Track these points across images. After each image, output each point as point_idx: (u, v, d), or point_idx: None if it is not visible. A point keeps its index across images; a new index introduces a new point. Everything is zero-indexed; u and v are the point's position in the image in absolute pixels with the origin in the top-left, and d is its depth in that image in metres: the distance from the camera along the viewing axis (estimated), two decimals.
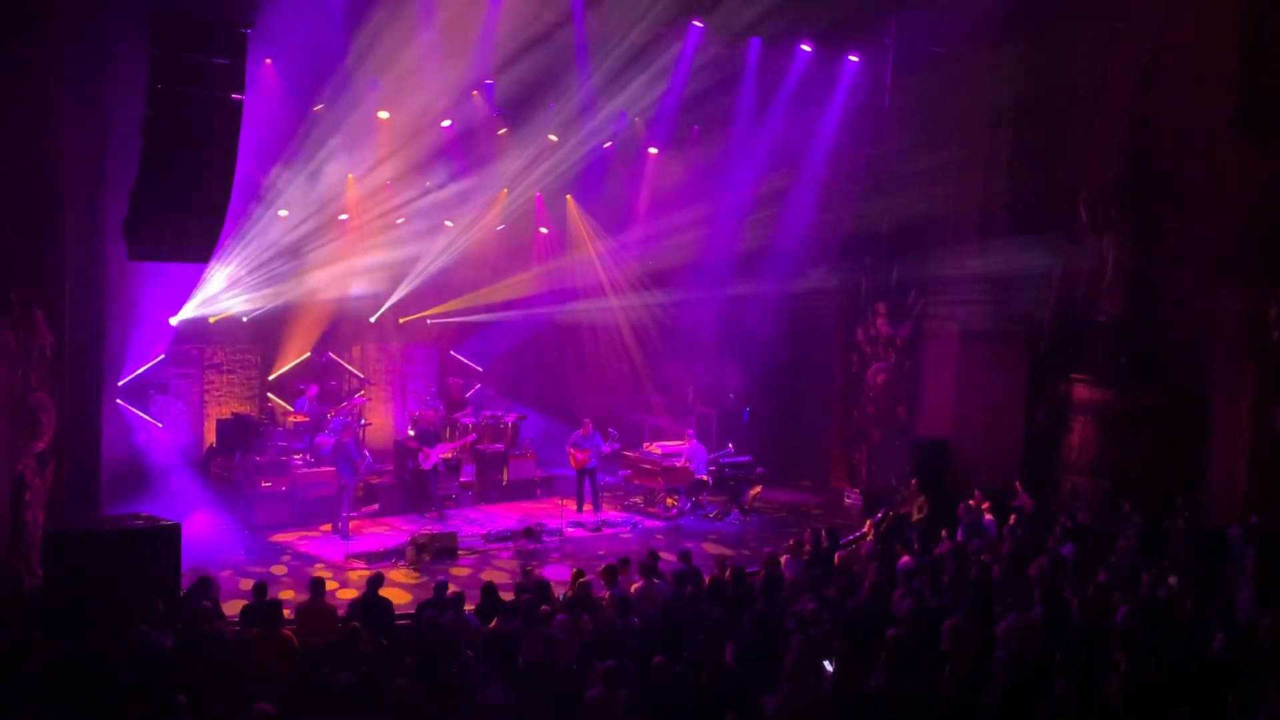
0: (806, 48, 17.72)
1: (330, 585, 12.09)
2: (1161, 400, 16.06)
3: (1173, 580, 11.08)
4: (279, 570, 13.94)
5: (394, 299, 19.44)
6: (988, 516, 14.40)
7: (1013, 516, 14.27)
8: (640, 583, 11.01)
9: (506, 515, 17.40)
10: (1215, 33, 15.74)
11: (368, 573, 11.73)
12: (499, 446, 18.71)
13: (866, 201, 18.62)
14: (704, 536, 16.64)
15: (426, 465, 17.07)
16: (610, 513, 17.82)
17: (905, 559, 12.28)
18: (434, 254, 19.36)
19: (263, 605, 9.98)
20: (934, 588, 11.04)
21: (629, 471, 18.42)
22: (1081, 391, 16.69)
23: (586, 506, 17.62)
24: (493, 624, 9.94)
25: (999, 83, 17.26)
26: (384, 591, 10.62)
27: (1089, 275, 16.78)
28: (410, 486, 17.52)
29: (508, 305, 20.95)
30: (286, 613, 10.14)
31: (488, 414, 19.25)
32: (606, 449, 17.71)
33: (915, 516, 15.70)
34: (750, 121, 18.99)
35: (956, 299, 18.23)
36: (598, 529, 16.82)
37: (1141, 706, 7.92)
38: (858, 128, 18.90)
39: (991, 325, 17.69)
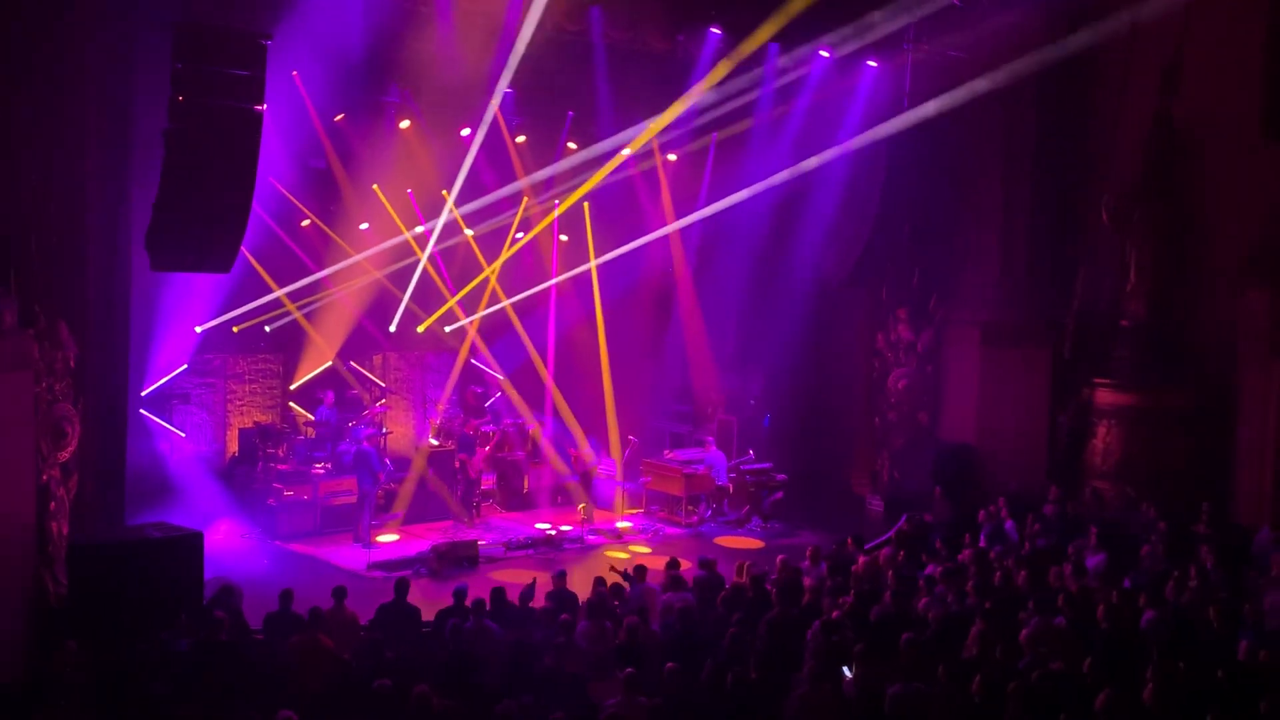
0: (825, 53, 17.66)
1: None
2: (1187, 403, 15.92)
3: (1197, 585, 10.97)
4: (300, 578, 13.94)
5: (403, 306, 19.46)
6: (1009, 522, 14.29)
7: (1035, 524, 14.13)
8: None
9: (527, 523, 17.43)
10: (1240, 31, 15.62)
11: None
12: (519, 454, 18.72)
13: (887, 207, 18.52)
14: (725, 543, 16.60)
15: (474, 474, 17.12)
16: (632, 519, 17.78)
17: (929, 565, 12.23)
18: (450, 261, 19.41)
19: (288, 613, 10.03)
20: (957, 594, 10.98)
21: (649, 479, 18.39)
22: (1105, 396, 16.55)
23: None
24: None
25: (1019, 89, 17.17)
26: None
27: (1112, 278, 16.66)
28: (461, 497, 17.63)
29: (527, 313, 20.94)
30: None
31: (508, 422, 19.26)
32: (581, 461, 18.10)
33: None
34: (769, 127, 18.93)
35: (978, 304, 18.17)
36: (618, 536, 16.82)
37: (1171, 714, 7.83)
38: (876, 133, 18.79)
39: (1014, 330, 17.62)
